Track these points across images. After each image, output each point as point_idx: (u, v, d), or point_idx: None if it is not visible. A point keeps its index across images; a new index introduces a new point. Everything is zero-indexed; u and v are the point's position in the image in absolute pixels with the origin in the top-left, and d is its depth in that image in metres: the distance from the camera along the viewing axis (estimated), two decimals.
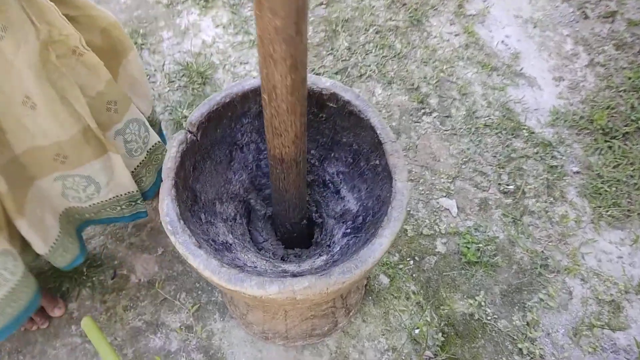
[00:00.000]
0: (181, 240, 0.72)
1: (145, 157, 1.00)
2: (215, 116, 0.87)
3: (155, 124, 1.13)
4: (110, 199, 0.97)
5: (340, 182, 0.97)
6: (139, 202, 1.02)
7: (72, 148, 0.83)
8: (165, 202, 0.75)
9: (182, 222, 0.74)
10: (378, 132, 0.83)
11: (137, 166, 0.99)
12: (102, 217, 1.03)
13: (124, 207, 1.00)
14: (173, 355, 1.12)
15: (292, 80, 0.59)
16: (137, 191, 0.98)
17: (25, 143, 0.80)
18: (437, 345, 1.13)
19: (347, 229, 0.92)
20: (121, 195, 0.97)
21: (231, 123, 0.91)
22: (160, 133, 1.21)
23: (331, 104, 0.90)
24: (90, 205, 0.96)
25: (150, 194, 1.08)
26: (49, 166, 0.84)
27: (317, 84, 0.88)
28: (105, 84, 0.85)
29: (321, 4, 1.75)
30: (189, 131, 0.83)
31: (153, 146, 1.01)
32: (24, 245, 0.91)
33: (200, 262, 0.71)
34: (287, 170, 0.76)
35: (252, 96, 0.88)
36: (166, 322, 1.15)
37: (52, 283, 1.20)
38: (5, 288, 0.88)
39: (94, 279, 1.21)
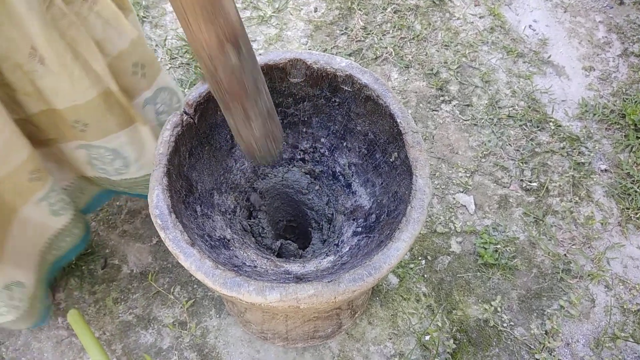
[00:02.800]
0: (171, 237, 0.64)
1: None
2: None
3: None
4: (142, 176, 0.89)
5: (352, 175, 0.88)
6: None
7: (91, 115, 0.73)
8: (155, 192, 0.66)
9: (173, 215, 0.65)
10: (398, 120, 0.74)
11: None
12: (135, 192, 0.98)
13: None
14: (164, 353, 1.04)
15: None
16: None
17: (39, 105, 0.71)
18: (448, 353, 1.05)
19: (358, 227, 0.83)
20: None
21: None
22: None
23: (346, 88, 0.80)
24: (121, 180, 0.90)
25: None
26: (69, 133, 0.76)
27: (331, 64, 0.78)
28: (130, 43, 0.74)
29: None
30: (186, 113, 0.74)
31: None
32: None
33: (192, 262, 0.63)
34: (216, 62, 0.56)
35: None
36: (158, 317, 1.08)
37: None
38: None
39: (83, 268, 1.13)
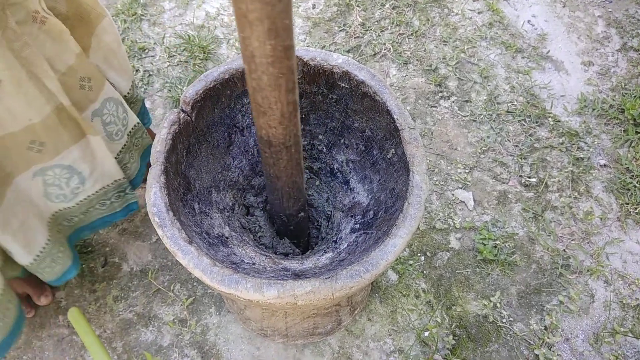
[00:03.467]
0: (169, 235, 0.64)
1: (127, 141, 0.92)
2: (212, 94, 0.77)
3: (136, 100, 1.03)
4: (97, 191, 0.88)
5: (350, 172, 0.88)
6: (127, 190, 0.93)
7: (46, 132, 0.74)
8: (153, 190, 0.67)
9: (171, 213, 0.65)
10: (395, 117, 0.74)
11: (120, 151, 0.91)
12: (93, 219, 0.95)
13: (113, 199, 0.92)
14: (165, 350, 1.05)
15: (272, 48, 0.49)
16: (124, 178, 0.89)
17: None
18: (447, 349, 1.06)
19: (356, 223, 0.83)
20: (108, 185, 0.88)
21: (230, 102, 0.82)
22: (143, 112, 1.10)
23: (343, 84, 0.80)
24: (77, 204, 0.87)
25: (137, 181, 0.99)
26: (25, 158, 0.75)
27: (328, 61, 0.78)
28: (76, 58, 0.75)
29: None
30: (183, 110, 0.74)
31: (133, 128, 0.93)
32: (5, 257, 0.82)
33: (190, 259, 0.63)
34: (277, 155, 0.66)
35: None
36: (159, 314, 1.08)
37: None
38: None
39: (83, 266, 1.13)
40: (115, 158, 0.89)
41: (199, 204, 0.79)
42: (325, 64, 0.78)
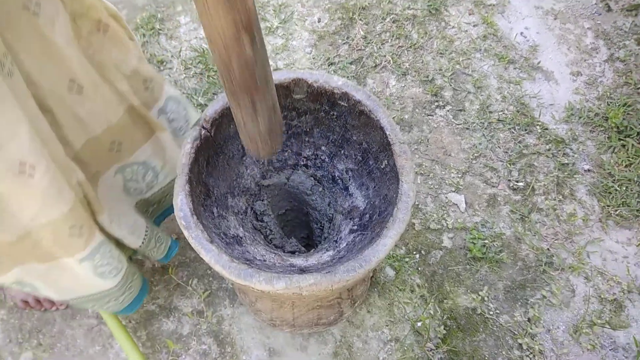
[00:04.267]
0: (194, 235, 0.76)
1: None
2: (229, 112, 0.88)
3: None
4: (168, 183, 0.99)
5: (349, 179, 0.99)
6: None
7: (123, 132, 0.83)
8: (180, 197, 0.78)
9: (195, 217, 0.77)
10: (387, 132, 0.85)
11: None
12: (165, 208, 1.06)
13: None
14: (184, 338, 1.17)
15: None
16: None
17: (82, 136, 0.79)
18: (439, 338, 1.17)
19: (354, 225, 0.94)
20: None
21: None
22: None
23: (342, 103, 0.91)
24: (151, 195, 0.98)
25: None
26: (107, 158, 0.85)
27: (329, 83, 0.89)
28: (138, 61, 0.83)
29: None
30: (203, 127, 0.86)
31: (197, 123, 1.03)
32: (118, 242, 0.92)
33: (212, 256, 0.74)
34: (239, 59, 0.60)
35: None
36: (178, 306, 1.20)
37: None
38: (118, 277, 0.91)
39: None
40: None
41: (217, 208, 0.91)
42: (327, 85, 0.89)
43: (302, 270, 0.85)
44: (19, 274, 0.81)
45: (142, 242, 0.94)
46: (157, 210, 1.05)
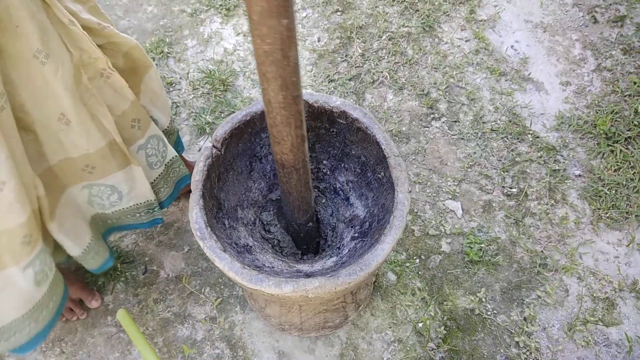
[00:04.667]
0: (208, 245, 0.83)
1: (163, 170, 1.12)
2: (237, 132, 0.97)
3: (173, 132, 1.23)
4: (130, 206, 1.08)
5: (350, 190, 1.07)
6: (156, 210, 1.14)
7: (99, 160, 0.94)
8: (195, 211, 0.86)
9: (209, 228, 0.85)
10: (383, 147, 0.92)
11: (156, 178, 1.11)
12: (123, 224, 1.15)
13: (142, 214, 1.12)
14: (199, 344, 1.24)
15: (284, 97, 0.68)
16: (155, 200, 1.10)
17: (59, 155, 0.91)
18: (440, 338, 1.23)
19: (355, 233, 1.01)
20: (140, 203, 1.09)
21: (251, 137, 1.01)
22: (178, 141, 1.31)
23: (341, 121, 0.99)
24: (112, 212, 1.08)
25: (166, 203, 1.20)
26: (78, 176, 0.96)
27: (329, 103, 0.97)
28: (130, 104, 0.96)
29: (337, 11, 1.83)
30: (214, 147, 0.94)
31: (170, 160, 1.13)
32: (56, 246, 1.01)
33: (225, 264, 0.82)
34: (288, 175, 0.84)
35: None
36: (192, 313, 1.27)
37: (89, 277, 1.33)
38: (47, 283, 0.98)
39: (127, 274, 1.33)
40: (151, 183, 1.09)
41: (228, 220, 0.98)
42: (326, 105, 0.97)
43: (308, 275, 0.92)
44: None
45: (82, 253, 1.02)
46: (115, 224, 1.15)
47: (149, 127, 1.03)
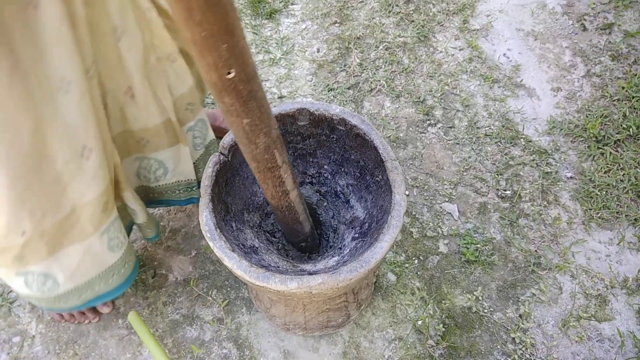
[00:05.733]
0: (218, 246, 0.89)
1: (204, 152, 1.22)
2: None
3: None
4: (173, 182, 1.18)
5: (350, 193, 1.12)
6: (194, 189, 1.22)
7: (153, 135, 1.04)
8: (204, 214, 0.91)
9: (218, 230, 0.90)
10: (380, 151, 0.98)
11: (198, 159, 1.21)
12: (162, 199, 1.25)
13: (181, 191, 1.21)
14: (207, 344, 1.28)
15: (256, 167, 0.81)
16: (194, 180, 1.19)
17: (121, 126, 1.00)
18: (439, 335, 1.28)
19: (355, 233, 1.07)
20: (182, 181, 1.18)
21: None
22: None
23: (341, 127, 1.05)
24: (155, 186, 1.18)
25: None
26: (134, 148, 1.06)
27: (328, 111, 1.03)
28: (188, 88, 1.06)
29: (335, 22, 1.90)
30: (222, 153, 0.99)
31: (209, 142, 1.23)
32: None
33: (234, 263, 0.87)
34: (276, 210, 0.94)
35: None
36: (200, 315, 1.32)
37: None
38: (122, 249, 1.07)
39: (136, 278, 1.38)
40: (194, 164, 1.18)
41: (235, 222, 1.04)
42: (326, 113, 1.03)
43: (311, 274, 0.97)
44: (48, 265, 0.94)
45: (146, 220, 1.13)
46: (155, 198, 1.24)
47: (200, 111, 1.12)
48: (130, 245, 1.13)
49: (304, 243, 1.09)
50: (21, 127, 0.75)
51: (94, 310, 1.34)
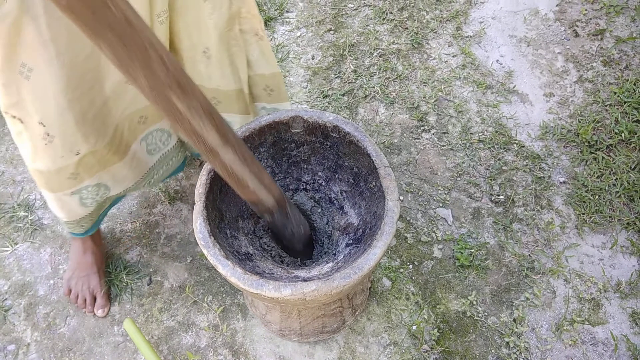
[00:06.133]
0: (212, 253, 0.89)
1: None
2: None
3: None
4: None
5: (344, 200, 1.13)
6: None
7: (225, 98, 1.10)
8: (198, 221, 0.92)
9: (212, 238, 0.91)
10: (373, 158, 0.99)
11: None
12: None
13: None
14: (202, 350, 1.29)
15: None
16: None
17: (196, 81, 1.06)
18: (434, 340, 1.28)
19: (349, 240, 1.07)
20: None
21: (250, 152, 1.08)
22: None
23: (334, 134, 1.06)
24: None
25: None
26: (203, 105, 1.13)
27: (322, 118, 1.04)
28: (271, 73, 1.10)
29: (330, 30, 1.91)
30: None
31: None
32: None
33: (228, 270, 0.88)
34: (265, 214, 0.96)
35: (267, 130, 1.05)
36: (196, 321, 1.33)
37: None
38: (159, 153, 1.20)
39: (132, 285, 1.39)
40: None
41: (229, 230, 1.04)
42: (320, 120, 1.04)
43: (306, 280, 0.98)
44: (99, 178, 1.07)
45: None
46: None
47: (283, 102, 1.18)
48: (172, 153, 1.24)
49: (298, 246, 1.09)
50: (79, 51, 0.82)
51: (96, 301, 1.36)
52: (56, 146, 0.92)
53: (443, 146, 1.61)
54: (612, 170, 1.53)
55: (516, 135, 1.62)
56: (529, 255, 1.40)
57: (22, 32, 0.77)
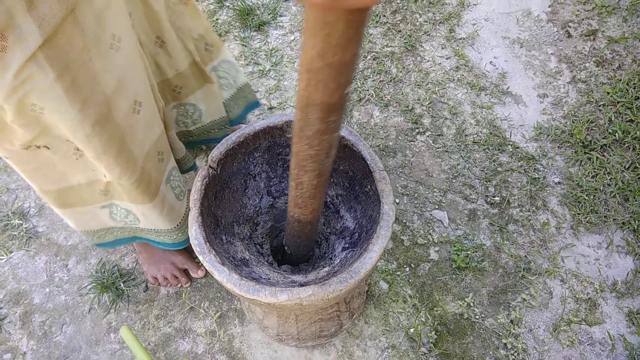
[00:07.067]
0: (207, 259, 0.89)
1: (235, 93, 1.30)
2: (231, 153, 1.03)
3: None
4: (209, 122, 1.27)
5: (340, 203, 1.13)
6: (227, 127, 1.31)
7: (184, 79, 1.10)
8: (194, 227, 0.92)
9: (207, 244, 0.90)
10: (368, 162, 0.99)
11: (227, 99, 1.29)
12: (202, 139, 1.35)
13: (216, 130, 1.30)
14: (200, 357, 1.28)
15: (317, 182, 0.76)
16: (226, 116, 1.27)
17: (158, 77, 1.06)
18: (431, 342, 1.28)
19: (345, 243, 1.07)
20: (216, 120, 1.27)
21: (245, 157, 1.07)
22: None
23: None
24: (194, 129, 1.29)
25: (235, 122, 1.39)
26: (170, 97, 1.13)
27: None
28: (204, 29, 1.12)
29: None
30: (211, 167, 1.00)
31: (242, 86, 1.31)
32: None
33: (224, 276, 0.87)
34: (302, 227, 0.93)
35: (261, 135, 1.04)
36: (193, 328, 1.32)
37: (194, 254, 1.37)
38: (186, 196, 1.19)
39: (128, 292, 1.38)
40: (223, 103, 1.26)
41: (225, 235, 1.04)
42: None
43: (302, 285, 0.98)
44: (129, 206, 1.07)
45: (185, 152, 1.22)
46: (195, 139, 1.34)
47: (221, 51, 1.19)
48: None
49: (304, 257, 1.09)
50: (93, 86, 0.80)
51: (187, 275, 1.38)
52: (87, 160, 0.92)
53: (438, 148, 1.61)
54: (606, 170, 1.54)
55: (510, 136, 1.63)
56: (525, 256, 1.41)
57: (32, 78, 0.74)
